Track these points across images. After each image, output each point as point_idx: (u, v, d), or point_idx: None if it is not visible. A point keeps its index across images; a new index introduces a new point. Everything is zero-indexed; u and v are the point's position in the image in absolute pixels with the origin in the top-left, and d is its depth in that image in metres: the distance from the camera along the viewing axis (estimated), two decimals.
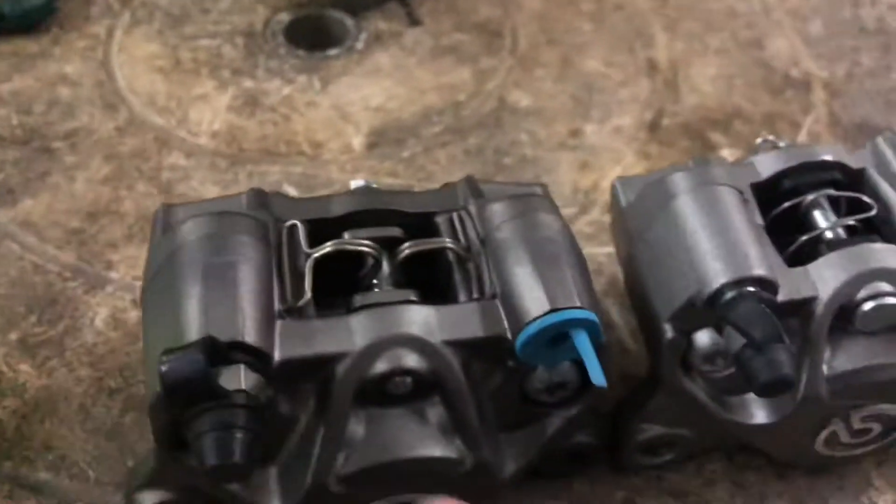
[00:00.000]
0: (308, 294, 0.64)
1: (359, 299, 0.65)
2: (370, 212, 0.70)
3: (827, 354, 0.69)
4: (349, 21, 1.11)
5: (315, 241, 0.67)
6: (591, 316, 0.62)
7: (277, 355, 0.61)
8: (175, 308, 0.61)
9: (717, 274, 0.65)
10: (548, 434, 0.69)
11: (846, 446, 0.74)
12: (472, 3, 1.13)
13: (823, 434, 0.73)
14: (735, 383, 0.69)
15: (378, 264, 0.67)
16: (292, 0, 1.12)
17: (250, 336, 0.60)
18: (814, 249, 0.70)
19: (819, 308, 0.67)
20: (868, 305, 0.67)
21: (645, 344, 0.73)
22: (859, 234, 0.72)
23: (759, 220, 0.71)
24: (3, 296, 0.86)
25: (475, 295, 0.66)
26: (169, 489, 0.68)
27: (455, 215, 0.70)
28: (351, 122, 1.01)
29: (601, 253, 0.88)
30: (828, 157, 0.74)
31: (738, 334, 0.63)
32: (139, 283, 0.70)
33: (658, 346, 0.69)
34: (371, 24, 1.11)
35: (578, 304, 0.63)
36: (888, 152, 0.75)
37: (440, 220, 0.70)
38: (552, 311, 0.62)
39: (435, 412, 0.65)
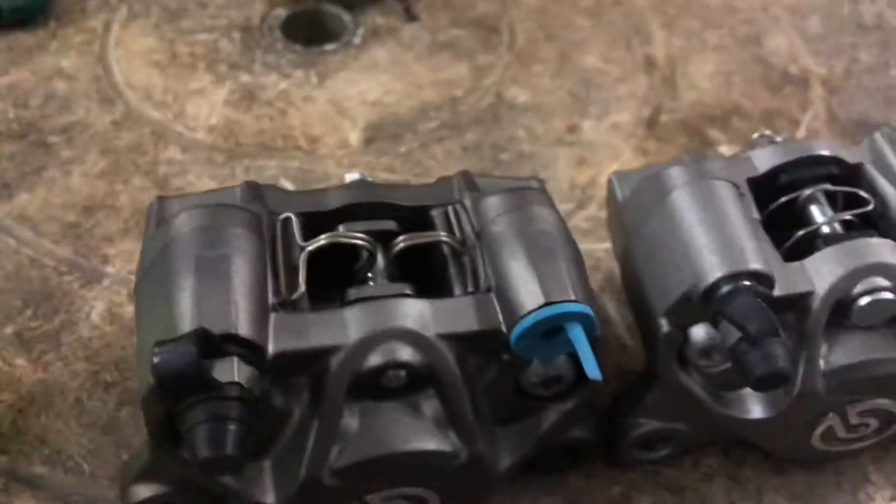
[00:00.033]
0: (302, 287, 0.63)
1: (353, 293, 0.64)
2: (365, 205, 0.70)
3: (823, 349, 0.69)
4: (346, 16, 1.11)
5: (310, 235, 0.67)
6: (586, 309, 0.62)
7: (271, 348, 0.61)
8: (168, 300, 0.61)
9: (712, 268, 0.65)
10: (543, 428, 0.69)
11: (843, 441, 0.74)
12: None
13: (820, 429, 0.73)
14: (731, 378, 0.69)
15: (373, 258, 0.67)
16: None
17: (243, 328, 0.60)
18: (810, 244, 0.70)
19: (815, 303, 0.67)
20: (864, 300, 0.67)
21: (641, 339, 0.73)
22: (856, 229, 0.72)
23: (756, 214, 0.71)
24: None
25: (470, 288, 0.66)
26: (163, 483, 0.67)
27: (450, 209, 0.70)
28: (348, 117, 1.01)
29: (599, 249, 0.88)
30: (825, 152, 0.74)
31: (733, 328, 0.63)
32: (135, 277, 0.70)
33: (654, 340, 0.68)
34: (368, 20, 1.11)
35: (573, 298, 0.63)
36: (886, 147, 0.74)
37: (435, 213, 0.70)
38: (547, 304, 0.62)
39: (429, 406, 0.64)
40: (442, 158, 0.98)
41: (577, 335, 0.61)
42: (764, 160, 0.74)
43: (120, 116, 1.00)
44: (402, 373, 0.63)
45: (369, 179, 0.74)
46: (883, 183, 0.73)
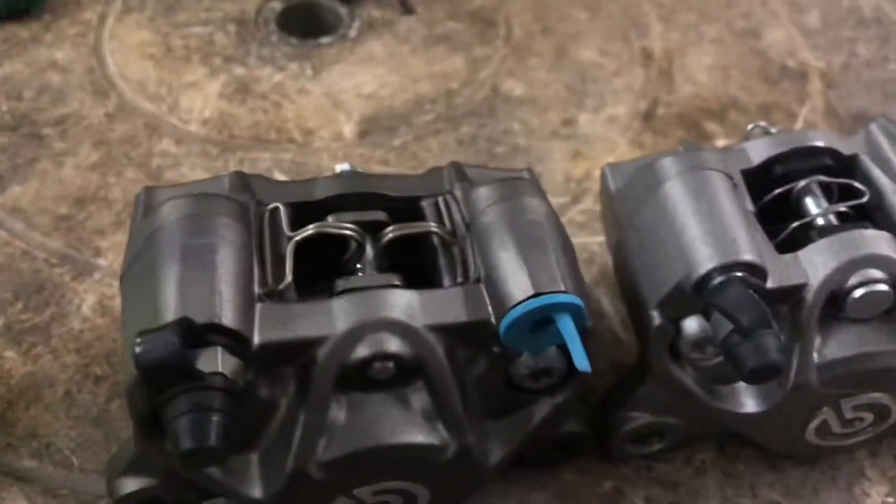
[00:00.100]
0: (289, 277, 0.63)
1: (341, 283, 0.64)
2: (355, 195, 0.69)
3: (817, 342, 0.68)
4: (342, 9, 1.10)
5: (298, 225, 0.66)
6: (576, 300, 0.62)
7: (256, 338, 0.60)
8: (152, 290, 0.61)
9: (704, 259, 0.64)
10: (534, 422, 0.68)
11: (838, 436, 0.74)
12: None
13: (814, 423, 0.72)
14: (724, 371, 0.68)
15: (361, 248, 0.66)
16: None
17: (227, 318, 0.59)
18: (805, 236, 0.69)
19: (809, 295, 0.66)
20: (859, 292, 0.67)
21: (634, 332, 0.72)
22: (851, 220, 0.71)
23: (750, 205, 0.70)
24: None
25: (460, 279, 0.65)
26: (150, 476, 0.67)
27: (441, 199, 0.70)
28: (342, 109, 1.00)
29: (593, 242, 0.87)
30: (819, 143, 0.73)
31: (725, 320, 0.62)
32: None
33: (646, 333, 0.68)
34: (364, 13, 1.10)
35: (563, 289, 0.62)
36: (881, 138, 0.74)
37: (426, 204, 0.70)
38: (536, 295, 0.61)
39: (418, 398, 0.64)
40: (437, 151, 0.97)
41: (567, 326, 0.61)
42: (758, 151, 0.73)
43: (114, 109, 1.00)
44: (390, 364, 0.62)
45: (359, 170, 0.73)
46: (878, 174, 0.72)
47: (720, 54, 1.07)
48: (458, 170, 0.72)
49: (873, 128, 0.75)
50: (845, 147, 0.74)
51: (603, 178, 0.75)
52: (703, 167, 0.70)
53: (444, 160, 0.91)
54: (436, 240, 0.67)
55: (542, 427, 0.68)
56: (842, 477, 0.76)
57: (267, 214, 0.67)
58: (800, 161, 0.73)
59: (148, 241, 0.64)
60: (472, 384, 0.65)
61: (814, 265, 0.67)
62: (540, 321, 0.62)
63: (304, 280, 0.64)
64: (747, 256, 0.64)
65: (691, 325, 0.68)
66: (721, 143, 0.98)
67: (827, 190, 0.73)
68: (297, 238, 0.65)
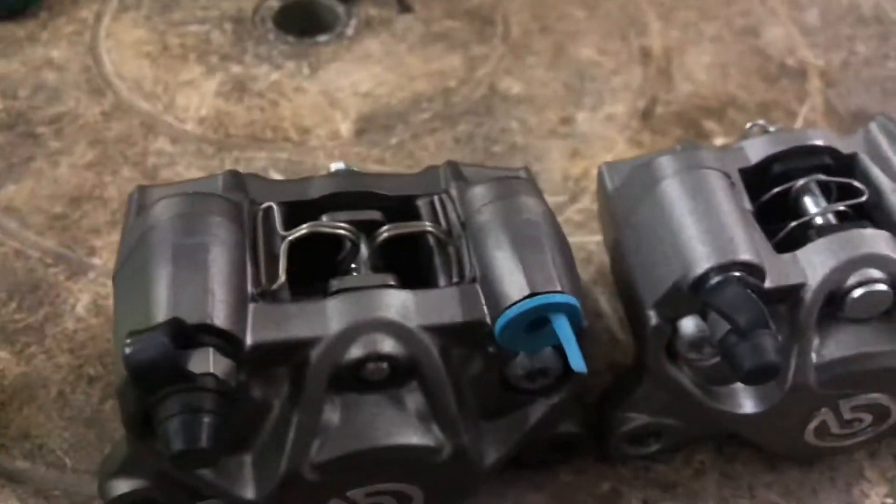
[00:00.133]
0: (282, 277, 0.62)
1: (335, 283, 0.63)
2: (350, 194, 0.68)
3: (816, 342, 0.68)
4: (339, 7, 1.10)
5: (292, 224, 0.66)
6: (572, 300, 0.61)
7: (249, 339, 0.59)
8: (144, 289, 0.60)
9: (702, 258, 0.64)
10: (530, 422, 0.68)
11: (836, 437, 0.73)
12: None
13: (813, 424, 0.72)
14: (722, 372, 0.68)
15: (356, 248, 0.66)
16: None
17: (219, 319, 0.58)
18: (803, 235, 0.69)
19: (808, 295, 0.66)
20: (858, 292, 0.66)
21: (631, 332, 0.71)
22: (850, 219, 0.71)
23: (748, 204, 0.69)
24: None
25: (455, 279, 0.65)
26: (143, 478, 0.66)
27: (436, 198, 0.69)
28: (339, 108, 1.00)
29: (591, 241, 0.87)
30: (818, 142, 0.73)
31: (723, 320, 0.62)
32: None
33: (643, 332, 0.67)
34: (361, 11, 1.10)
35: (559, 289, 0.61)
36: (881, 137, 0.73)
37: (421, 203, 0.69)
38: (531, 295, 0.61)
39: (412, 399, 0.63)
40: (434, 150, 0.96)
41: (562, 326, 0.60)
42: (756, 150, 0.73)
43: (109, 107, 0.99)
44: (385, 365, 0.61)
45: (354, 169, 0.73)
46: (877, 173, 0.72)
47: (719, 52, 1.07)
48: (455, 169, 0.71)
49: (873, 126, 0.74)
50: (844, 146, 0.73)
51: (600, 176, 0.75)
52: (700, 166, 0.69)
53: (442, 159, 0.90)
54: (431, 239, 0.67)
55: (538, 428, 0.68)
56: (840, 478, 0.76)
57: (261, 213, 0.66)
58: (798, 160, 0.72)
59: (140, 241, 0.63)
60: (467, 385, 0.64)
61: (812, 265, 0.66)
62: (536, 321, 0.61)
63: (298, 280, 0.64)
64: (745, 256, 0.64)
65: (688, 325, 0.67)
66: (720, 141, 0.97)
67: (826, 189, 0.72)
68: (291, 237, 0.64)
